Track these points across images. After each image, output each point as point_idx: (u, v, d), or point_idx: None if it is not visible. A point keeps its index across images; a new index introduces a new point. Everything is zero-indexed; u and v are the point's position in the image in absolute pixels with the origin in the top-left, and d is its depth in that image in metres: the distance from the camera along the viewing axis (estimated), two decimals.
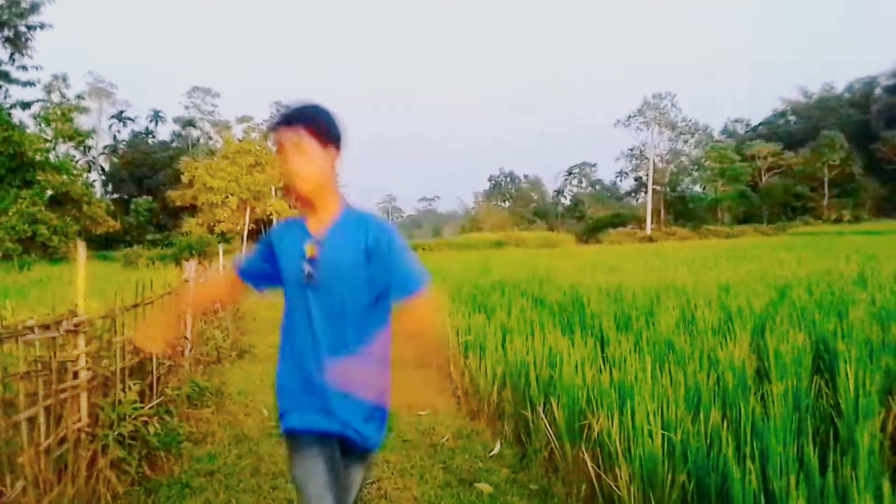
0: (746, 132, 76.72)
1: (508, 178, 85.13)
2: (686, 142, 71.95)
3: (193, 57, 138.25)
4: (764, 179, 65.89)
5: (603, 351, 4.59)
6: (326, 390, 1.78)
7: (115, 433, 3.30)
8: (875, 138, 60.86)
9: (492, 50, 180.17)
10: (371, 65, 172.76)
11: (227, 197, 42.08)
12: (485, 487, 3.47)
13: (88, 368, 3.31)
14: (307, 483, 1.74)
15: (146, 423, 3.67)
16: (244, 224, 43.06)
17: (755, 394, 3.25)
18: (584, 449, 3.26)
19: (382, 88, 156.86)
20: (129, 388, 3.61)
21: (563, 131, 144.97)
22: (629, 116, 69.64)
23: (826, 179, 61.55)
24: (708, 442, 2.80)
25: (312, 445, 1.79)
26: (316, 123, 1.79)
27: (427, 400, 1.89)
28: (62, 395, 3.05)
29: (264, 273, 1.98)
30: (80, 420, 3.19)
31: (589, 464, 3.14)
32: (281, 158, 1.82)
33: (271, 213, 43.60)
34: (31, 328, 2.84)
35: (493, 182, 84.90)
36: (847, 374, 3.17)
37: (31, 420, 2.75)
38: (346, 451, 1.86)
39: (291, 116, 1.79)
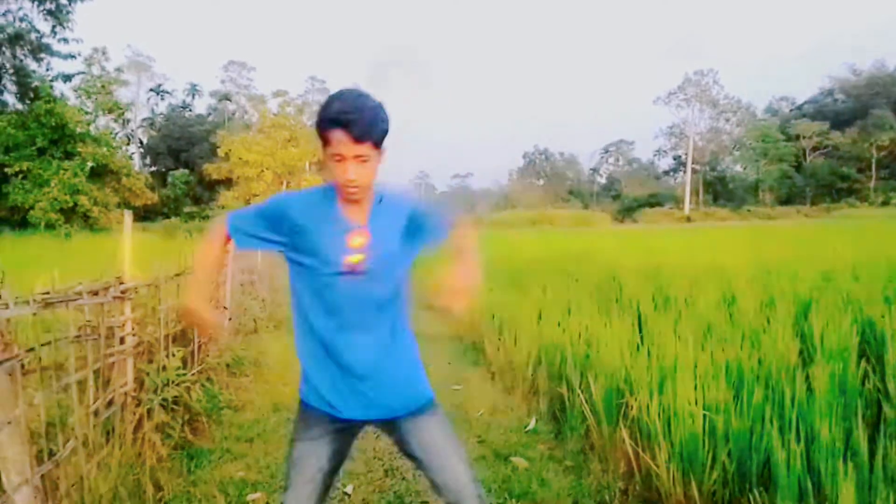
0: (791, 111, 74.33)
1: (543, 156, 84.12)
2: (728, 120, 70.23)
3: (230, 31, 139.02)
4: (808, 160, 64.01)
5: (641, 331, 4.54)
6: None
7: (160, 398, 3.39)
8: None
9: (528, 21, 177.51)
10: (404, 37, 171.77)
11: (262, 171, 42.52)
12: (520, 462, 3.48)
13: (134, 334, 3.40)
14: None
15: (189, 389, 3.76)
16: None
17: (800, 375, 3.18)
18: (621, 427, 3.23)
19: (413, 62, 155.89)
20: (173, 355, 3.70)
21: (599, 108, 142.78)
22: (669, 93, 68.29)
23: (874, 160, 59.53)
24: (750, 422, 2.75)
25: None
26: (381, 134, 1.64)
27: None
28: (110, 360, 3.13)
29: (258, 238, 1.80)
30: (126, 384, 3.28)
31: (627, 442, 3.12)
32: (335, 165, 1.63)
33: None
34: (80, 294, 2.91)
35: (528, 159, 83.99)
36: None
37: (81, 383, 2.83)
38: None
39: (360, 130, 1.58)
